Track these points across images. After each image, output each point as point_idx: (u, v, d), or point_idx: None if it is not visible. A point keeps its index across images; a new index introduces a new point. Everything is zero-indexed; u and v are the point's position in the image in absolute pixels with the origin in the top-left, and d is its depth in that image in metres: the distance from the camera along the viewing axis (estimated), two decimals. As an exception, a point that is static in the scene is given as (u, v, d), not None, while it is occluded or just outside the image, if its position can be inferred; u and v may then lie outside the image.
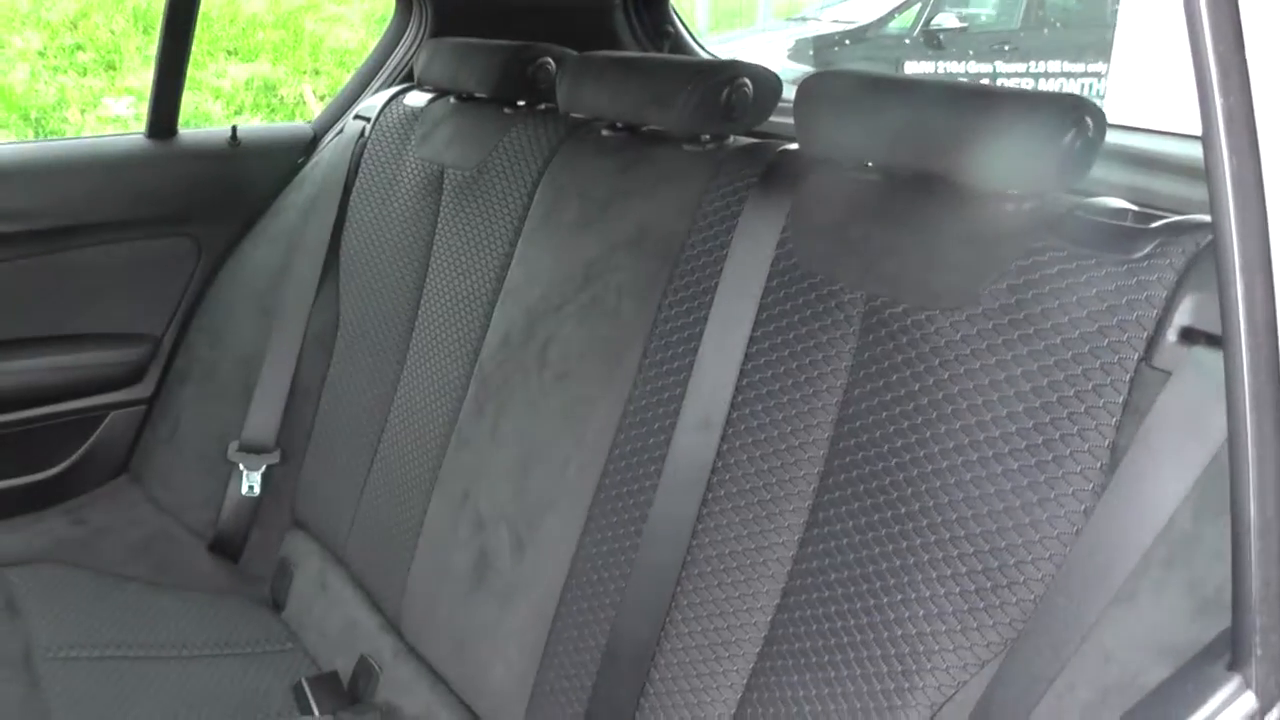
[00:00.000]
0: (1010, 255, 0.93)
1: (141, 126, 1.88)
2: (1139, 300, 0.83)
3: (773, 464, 1.07)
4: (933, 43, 7.43)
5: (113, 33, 7.52)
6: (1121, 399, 0.82)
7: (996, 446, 0.89)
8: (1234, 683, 0.53)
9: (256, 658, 1.60)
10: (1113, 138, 0.97)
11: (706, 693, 1.08)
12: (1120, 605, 0.76)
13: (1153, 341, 0.81)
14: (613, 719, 1.15)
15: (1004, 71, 7.36)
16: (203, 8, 1.81)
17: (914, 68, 7.39)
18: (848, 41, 7.49)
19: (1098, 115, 0.94)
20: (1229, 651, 0.54)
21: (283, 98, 7.47)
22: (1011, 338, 0.90)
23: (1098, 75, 6.74)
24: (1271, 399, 0.49)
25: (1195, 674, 0.56)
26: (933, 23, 7.47)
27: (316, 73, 8.01)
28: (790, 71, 7.24)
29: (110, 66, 7.28)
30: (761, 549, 1.07)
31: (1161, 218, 0.89)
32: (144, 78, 7.18)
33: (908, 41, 7.39)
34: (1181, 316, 0.81)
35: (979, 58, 7.38)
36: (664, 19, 2.07)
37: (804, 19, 8.23)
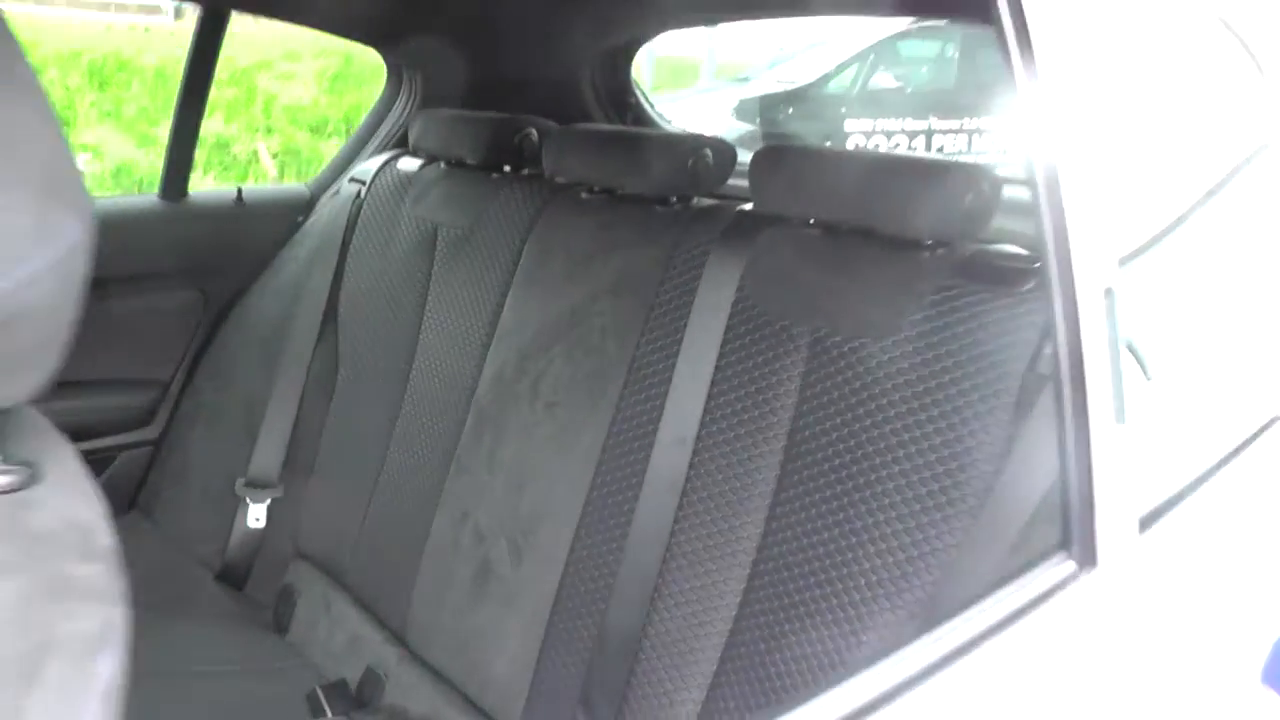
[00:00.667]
0: (927, 292, 1.17)
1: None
2: (1025, 324, 1.07)
3: (738, 471, 1.30)
4: (871, 102, 7.84)
5: (68, 89, 7.66)
6: (1013, 401, 1.06)
7: (919, 444, 1.12)
8: (1059, 556, 0.76)
9: (268, 674, 1.76)
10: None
11: (687, 666, 1.29)
12: (1013, 555, 0.99)
13: (1035, 353, 1.05)
14: (606, 696, 1.35)
15: (939, 128, 7.79)
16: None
17: (854, 125, 7.78)
18: (790, 105, 7.86)
19: (994, 180, 1.19)
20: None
21: (236, 155, 7.62)
22: (929, 358, 1.14)
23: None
24: (1079, 379, 0.72)
25: (1037, 559, 0.79)
26: (870, 83, 7.90)
27: (269, 130, 8.18)
28: (736, 130, 7.59)
29: (64, 123, 7.38)
30: (730, 542, 1.28)
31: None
32: (99, 134, 7.30)
33: (844, 107, 7.78)
34: (1054, 334, 1.05)
35: (915, 115, 7.80)
36: (626, 91, 2.32)
37: (747, 79, 8.58)
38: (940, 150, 7.63)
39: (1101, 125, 0.78)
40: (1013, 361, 1.07)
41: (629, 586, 1.35)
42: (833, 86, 7.96)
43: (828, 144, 7.43)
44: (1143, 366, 0.86)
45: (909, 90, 7.96)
